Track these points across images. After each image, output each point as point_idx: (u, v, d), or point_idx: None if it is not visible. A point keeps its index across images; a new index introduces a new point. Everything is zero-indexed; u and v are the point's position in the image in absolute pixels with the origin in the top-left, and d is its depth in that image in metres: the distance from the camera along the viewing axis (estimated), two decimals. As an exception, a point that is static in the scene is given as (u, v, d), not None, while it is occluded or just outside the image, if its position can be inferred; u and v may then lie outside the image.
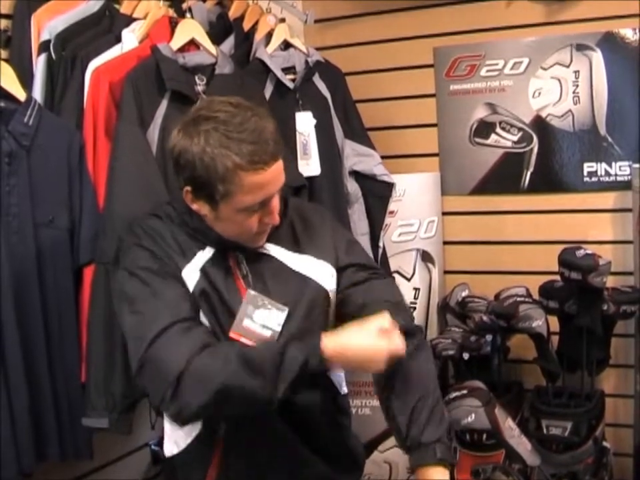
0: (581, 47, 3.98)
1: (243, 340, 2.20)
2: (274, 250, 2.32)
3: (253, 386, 2.02)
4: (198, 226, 2.24)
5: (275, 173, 2.11)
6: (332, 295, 2.37)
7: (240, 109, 2.11)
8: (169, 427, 2.34)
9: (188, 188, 2.15)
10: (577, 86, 4.02)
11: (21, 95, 2.71)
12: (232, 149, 2.04)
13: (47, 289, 2.73)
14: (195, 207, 2.18)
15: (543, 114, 4.10)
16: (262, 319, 2.21)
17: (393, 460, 3.93)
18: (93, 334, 2.79)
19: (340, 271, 2.38)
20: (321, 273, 2.35)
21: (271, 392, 2.04)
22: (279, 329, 2.23)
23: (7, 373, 2.59)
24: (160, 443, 3.54)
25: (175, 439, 2.33)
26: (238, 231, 2.20)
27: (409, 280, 4.16)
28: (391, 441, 3.75)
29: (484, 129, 4.23)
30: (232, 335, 2.20)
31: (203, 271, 2.21)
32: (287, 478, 2.29)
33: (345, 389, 2.48)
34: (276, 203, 2.19)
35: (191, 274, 2.20)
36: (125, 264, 2.22)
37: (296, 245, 2.35)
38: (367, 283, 2.39)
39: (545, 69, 4.07)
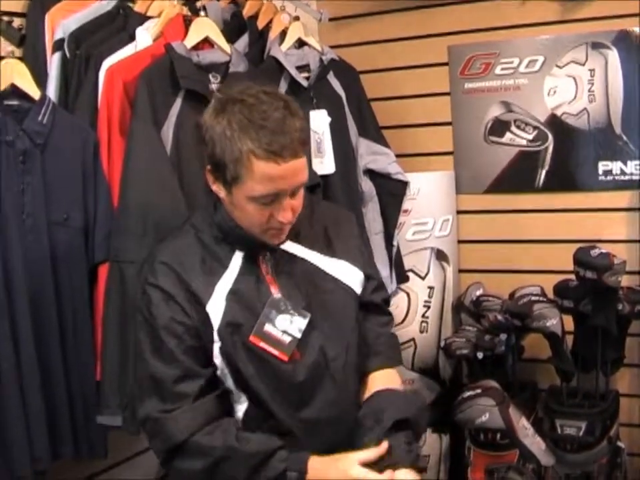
0: (596, 45, 3.97)
1: (262, 345, 2.21)
2: (307, 253, 2.32)
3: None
4: (222, 223, 2.24)
5: (291, 170, 2.08)
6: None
7: (271, 98, 2.10)
8: None
9: (209, 166, 2.16)
10: (592, 84, 4.00)
11: (35, 93, 2.71)
12: (250, 134, 2.03)
13: (61, 288, 2.74)
14: (214, 187, 2.19)
15: (558, 112, 4.09)
16: (283, 325, 2.22)
17: (426, 453, 3.94)
18: (107, 332, 2.80)
19: (366, 277, 2.42)
20: (353, 277, 2.37)
21: None
22: (299, 335, 2.23)
23: (22, 372, 2.60)
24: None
25: None
26: (249, 222, 2.19)
27: (423, 279, 4.15)
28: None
29: (499, 127, 4.22)
30: (252, 338, 2.21)
31: (231, 293, 2.22)
32: None
33: None
34: (293, 203, 2.16)
35: (217, 305, 2.21)
36: (142, 306, 2.25)
37: (329, 249, 2.36)
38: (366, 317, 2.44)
39: (560, 67, 4.05)
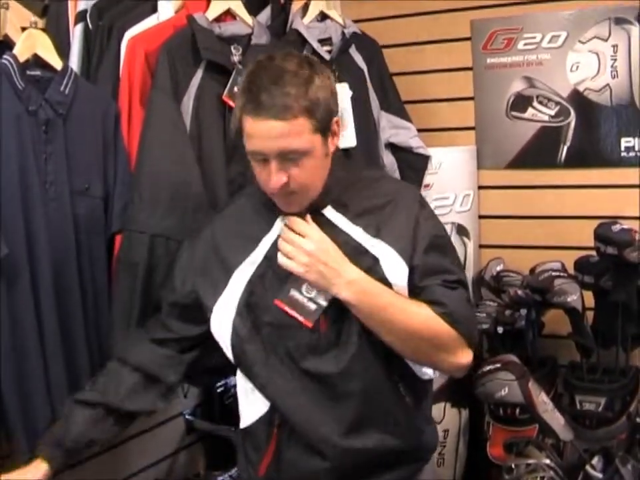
0: (619, 21, 3.93)
1: (287, 309, 2.21)
2: (349, 227, 2.25)
3: None
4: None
5: (269, 130, 2.06)
6: (396, 290, 2.22)
7: (286, 62, 2.12)
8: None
9: None
10: (615, 60, 3.97)
11: (57, 63, 2.73)
12: (245, 90, 2.10)
13: (82, 257, 2.76)
14: None
15: (581, 88, 4.06)
16: (310, 292, 2.21)
17: (445, 427, 3.95)
18: (115, 304, 2.83)
19: (412, 270, 2.25)
20: (392, 264, 2.23)
21: None
22: (325, 304, 2.21)
23: (44, 340, 2.63)
24: (194, 412, 3.60)
25: (243, 415, 2.39)
26: (259, 182, 2.21)
27: (443, 253, 4.14)
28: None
29: (521, 102, 4.19)
30: (277, 302, 2.22)
31: (266, 259, 2.25)
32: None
33: (428, 374, 2.40)
34: (291, 172, 2.12)
35: (244, 271, 2.26)
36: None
37: (375, 229, 2.25)
38: (428, 288, 2.25)
39: (583, 43, 4.02)
